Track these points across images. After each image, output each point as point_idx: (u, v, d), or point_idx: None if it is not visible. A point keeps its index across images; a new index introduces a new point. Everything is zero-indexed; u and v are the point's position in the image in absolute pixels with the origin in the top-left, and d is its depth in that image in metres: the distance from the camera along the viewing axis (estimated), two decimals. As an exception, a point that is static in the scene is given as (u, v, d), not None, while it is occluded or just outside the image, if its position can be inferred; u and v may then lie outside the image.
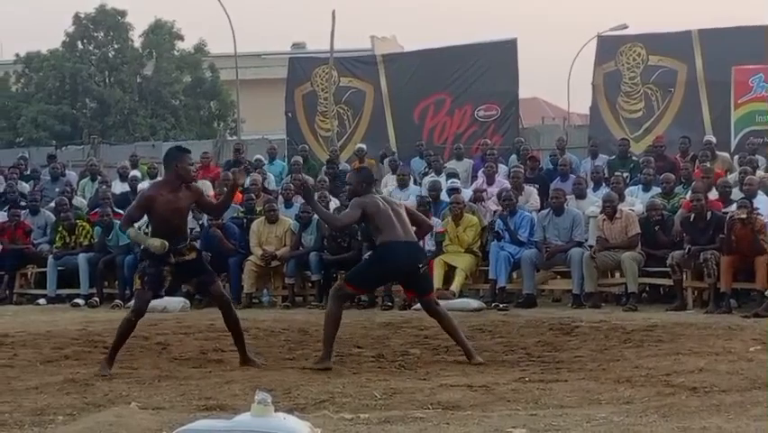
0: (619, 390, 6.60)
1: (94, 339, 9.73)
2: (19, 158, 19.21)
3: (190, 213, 13.05)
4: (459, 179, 14.87)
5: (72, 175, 17.86)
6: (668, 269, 11.93)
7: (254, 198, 14.55)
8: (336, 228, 11.70)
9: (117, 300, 13.44)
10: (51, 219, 15.05)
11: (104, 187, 15.82)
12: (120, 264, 13.73)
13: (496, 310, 12.06)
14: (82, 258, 14.09)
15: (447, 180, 14.59)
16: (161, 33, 36.69)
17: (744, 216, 11.21)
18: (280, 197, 14.74)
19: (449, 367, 7.91)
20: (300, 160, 16.74)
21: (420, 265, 8.22)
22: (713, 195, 12.66)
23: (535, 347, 8.88)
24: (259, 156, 17.33)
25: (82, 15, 36.52)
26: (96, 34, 36.91)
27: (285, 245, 13.55)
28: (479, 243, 13.24)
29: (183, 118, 37.01)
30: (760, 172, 13.70)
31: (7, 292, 14.58)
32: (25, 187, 16.94)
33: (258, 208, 14.26)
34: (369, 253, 9.29)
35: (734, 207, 11.76)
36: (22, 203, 15.78)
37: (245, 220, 14.03)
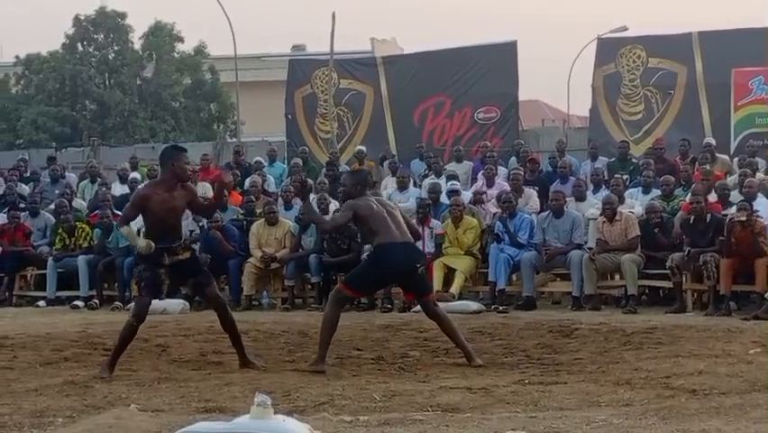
0: (619, 392, 6.60)
1: (93, 341, 9.73)
2: (19, 160, 19.20)
3: (191, 215, 13.19)
4: (459, 181, 14.87)
5: (72, 177, 17.86)
6: (667, 271, 11.93)
7: (254, 200, 14.56)
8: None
9: (117, 302, 13.45)
10: (51, 221, 15.05)
11: (103, 189, 15.82)
12: (120, 266, 13.73)
13: (495, 313, 12.06)
14: (82, 260, 14.09)
15: (447, 183, 14.59)
16: (161, 35, 36.67)
17: (743, 218, 11.21)
18: (280, 199, 14.74)
19: (448, 369, 7.91)
20: (300, 162, 16.74)
21: (418, 265, 8.22)
22: (713, 197, 12.67)
23: (535, 349, 8.88)
24: (259, 158, 17.32)
25: (82, 17, 36.48)
26: (96, 36, 36.87)
27: (284, 247, 13.56)
28: (478, 245, 13.24)
29: (183, 120, 36.99)
30: (760, 175, 13.70)
31: (7, 294, 14.58)
32: (25, 189, 16.94)
33: (257, 210, 14.26)
34: (366, 256, 9.30)
35: (733, 209, 11.76)
36: (22, 205, 15.79)
37: (245, 222, 14.04)
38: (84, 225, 14.58)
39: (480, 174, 15.39)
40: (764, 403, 5.94)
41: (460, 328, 8.54)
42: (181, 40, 37.57)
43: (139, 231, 8.49)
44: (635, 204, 13.30)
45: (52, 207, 15.36)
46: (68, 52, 36.36)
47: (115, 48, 36.96)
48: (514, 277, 13.09)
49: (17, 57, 37.42)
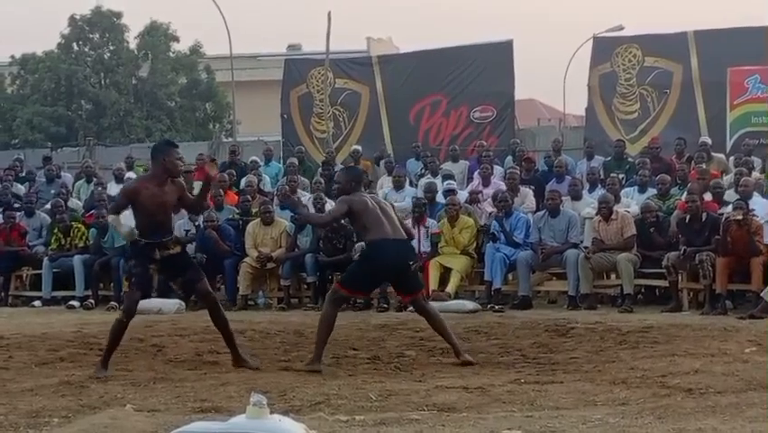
0: (615, 391, 6.61)
1: (89, 341, 9.71)
2: (14, 160, 19.16)
3: (186, 214, 13.18)
4: (455, 180, 14.86)
5: (67, 177, 17.84)
6: (663, 270, 11.93)
7: (250, 199, 14.55)
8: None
9: (113, 302, 13.41)
10: (47, 221, 15.04)
11: (99, 188, 15.80)
12: (115, 266, 13.70)
13: (491, 312, 12.06)
14: (77, 260, 14.07)
15: (443, 182, 14.59)
16: (157, 35, 36.67)
17: (740, 217, 11.22)
18: (276, 198, 14.73)
19: (445, 369, 7.91)
20: (296, 161, 16.73)
21: (410, 263, 8.22)
22: (708, 196, 12.67)
23: (531, 349, 8.88)
24: (254, 158, 17.31)
25: (77, 17, 36.48)
26: (91, 36, 36.87)
27: (280, 247, 13.55)
28: (474, 244, 13.25)
29: (178, 120, 36.99)
30: (755, 174, 13.71)
31: (2, 294, 14.58)
32: (20, 189, 16.92)
33: (253, 210, 14.25)
34: (358, 254, 9.31)
35: (729, 208, 11.77)
36: (17, 205, 15.77)
37: (241, 222, 14.04)
38: (79, 225, 14.56)
39: (475, 173, 15.40)
40: (760, 402, 5.95)
41: (456, 328, 8.54)
42: (177, 39, 37.63)
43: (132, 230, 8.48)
44: (631, 203, 13.31)
45: (48, 206, 15.34)
46: (64, 52, 36.34)
47: (111, 47, 36.95)
48: (510, 276, 13.10)
49: (12, 56, 37.42)
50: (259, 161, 17.14)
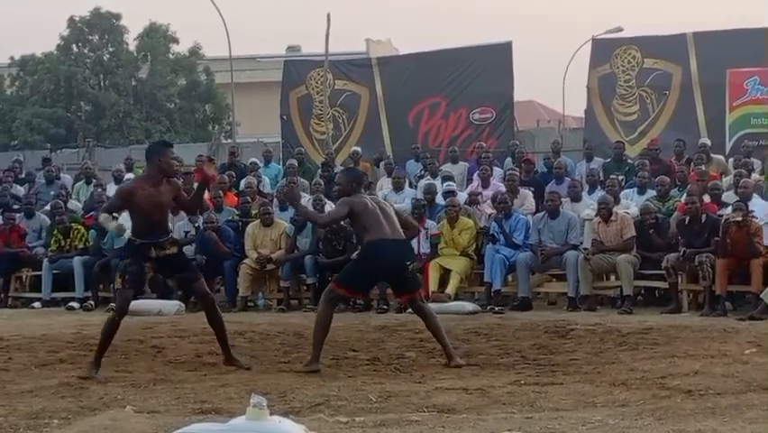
0: (615, 393, 6.61)
1: (89, 343, 9.68)
2: (14, 161, 19.16)
3: (186, 216, 13.18)
4: (454, 182, 14.86)
5: (67, 178, 17.84)
6: (663, 272, 11.93)
7: (249, 201, 14.55)
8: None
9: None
10: (46, 222, 15.03)
11: (99, 190, 15.78)
12: (115, 268, 13.59)
13: (491, 313, 12.06)
14: (77, 261, 14.06)
15: (442, 183, 14.58)
16: (156, 36, 36.66)
17: (739, 218, 11.23)
18: (275, 200, 14.72)
19: (444, 370, 7.90)
20: (295, 163, 16.72)
21: (407, 263, 8.22)
22: (708, 198, 12.67)
23: (531, 350, 8.88)
24: (254, 159, 17.31)
25: (77, 18, 36.43)
26: (90, 37, 36.84)
27: (280, 248, 13.54)
28: (474, 246, 13.24)
29: (178, 121, 36.97)
30: (755, 175, 13.71)
31: (2, 296, 14.56)
32: (20, 190, 16.91)
33: (253, 211, 14.24)
34: (356, 254, 9.32)
35: (728, 209, 11.77)
36: (17, 206, 15.76)
37: (240, 223, 14.03)
38: (79, 227, 14.55)
39: (475, 175, 15.40)
40: (760, 403, 5.95)
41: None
42: (176, 41, 37.61)
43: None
44: (631, 204, 13.31)
45: (47, 208, 15.33)
46: (63, 53, 36.33)
47: (110, 49, 36.93)
48: (509, 278, 13.09)
49: (12, 58, 37.40)
50: (258, 162, 17.13)
